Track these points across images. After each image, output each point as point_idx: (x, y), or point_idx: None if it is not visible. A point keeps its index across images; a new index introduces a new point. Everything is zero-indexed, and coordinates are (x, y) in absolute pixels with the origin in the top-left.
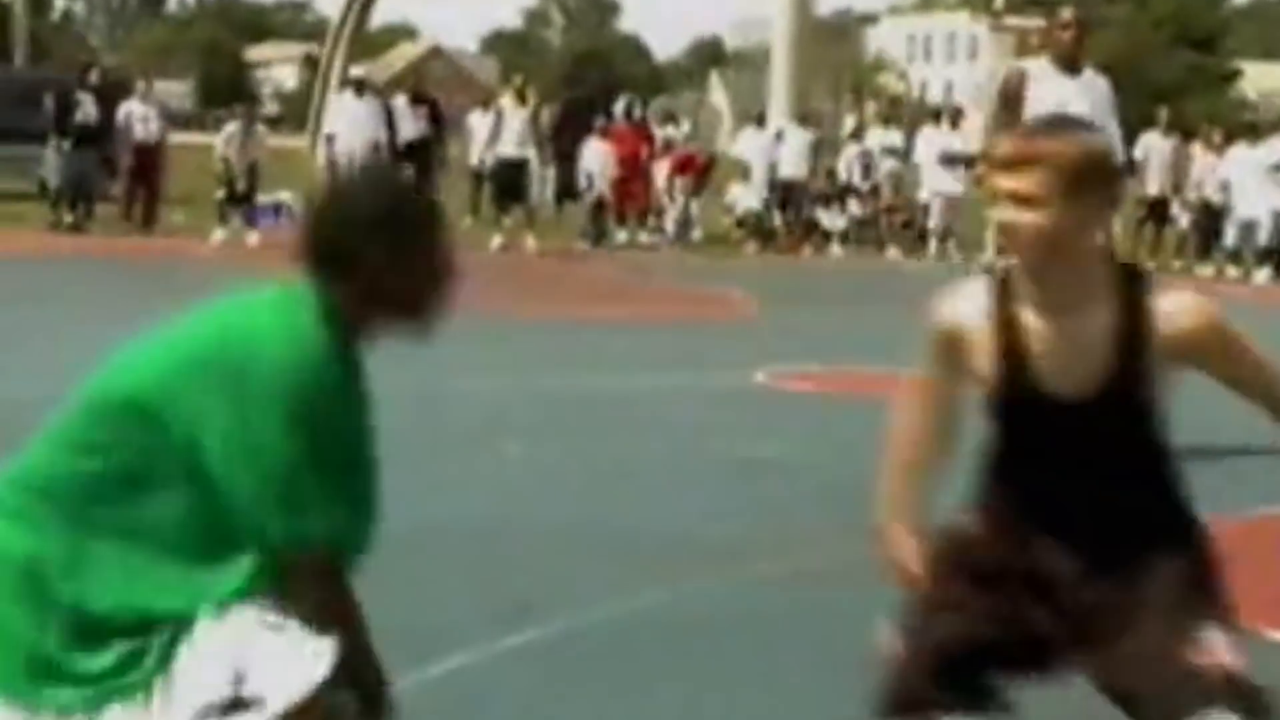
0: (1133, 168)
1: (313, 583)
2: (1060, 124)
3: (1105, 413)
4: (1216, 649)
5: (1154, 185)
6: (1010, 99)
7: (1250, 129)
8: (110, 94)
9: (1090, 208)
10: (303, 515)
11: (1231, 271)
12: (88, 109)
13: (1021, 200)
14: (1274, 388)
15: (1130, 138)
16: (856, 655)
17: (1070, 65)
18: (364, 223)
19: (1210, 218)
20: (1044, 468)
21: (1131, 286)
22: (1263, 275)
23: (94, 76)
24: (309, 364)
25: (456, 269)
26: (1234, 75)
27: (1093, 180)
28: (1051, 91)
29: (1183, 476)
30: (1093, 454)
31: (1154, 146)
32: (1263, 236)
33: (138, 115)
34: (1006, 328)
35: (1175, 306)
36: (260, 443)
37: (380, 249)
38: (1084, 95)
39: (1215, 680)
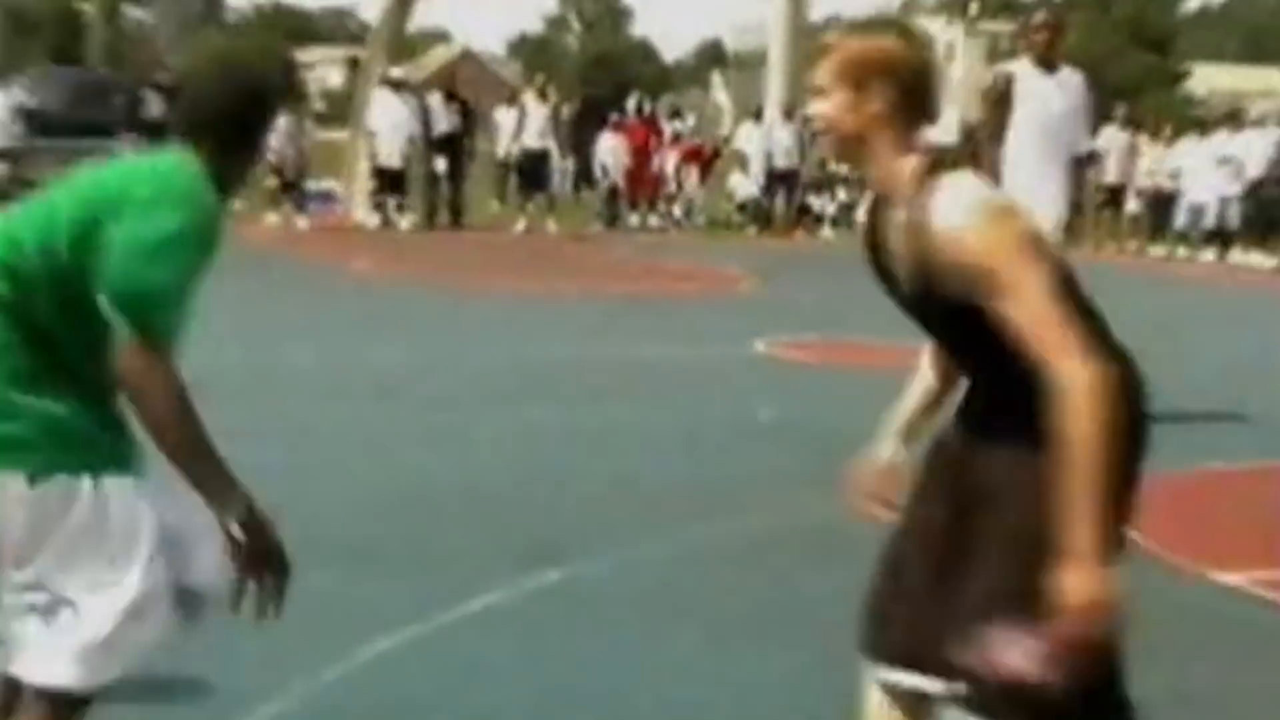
0: (1093, 158)
1: (166, 375)
2: (864, 26)
3: (927, 310)
4: (1004, 652)
5: (1111, 174)
6: (1000, 99)
7: (1198, 124)
8: (176, 93)
9: (875, 101)
10: (169, 311)
11: (1180, 251)
12: (154, 107)
13: (815, 91)
14: (1029, 351)
15: (1093, 131)
16: (839, 592)
17: (1047, 64)
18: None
19: (1161, 203)
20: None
21: (926, 182)
22: (1209, 254)
23: (163, 78)
24: (202, 195)
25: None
26: (1184, 75)
27: (872, 73)
28: (1032, 90)
29: (1040, 396)
30: (950, 350)
31: (1113, 139)
32: (1209, 219)
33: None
34: (871, 222)
35: (950, 203)
36: (160, 246)
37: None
38: (1061, 91)
39: (983, 685)
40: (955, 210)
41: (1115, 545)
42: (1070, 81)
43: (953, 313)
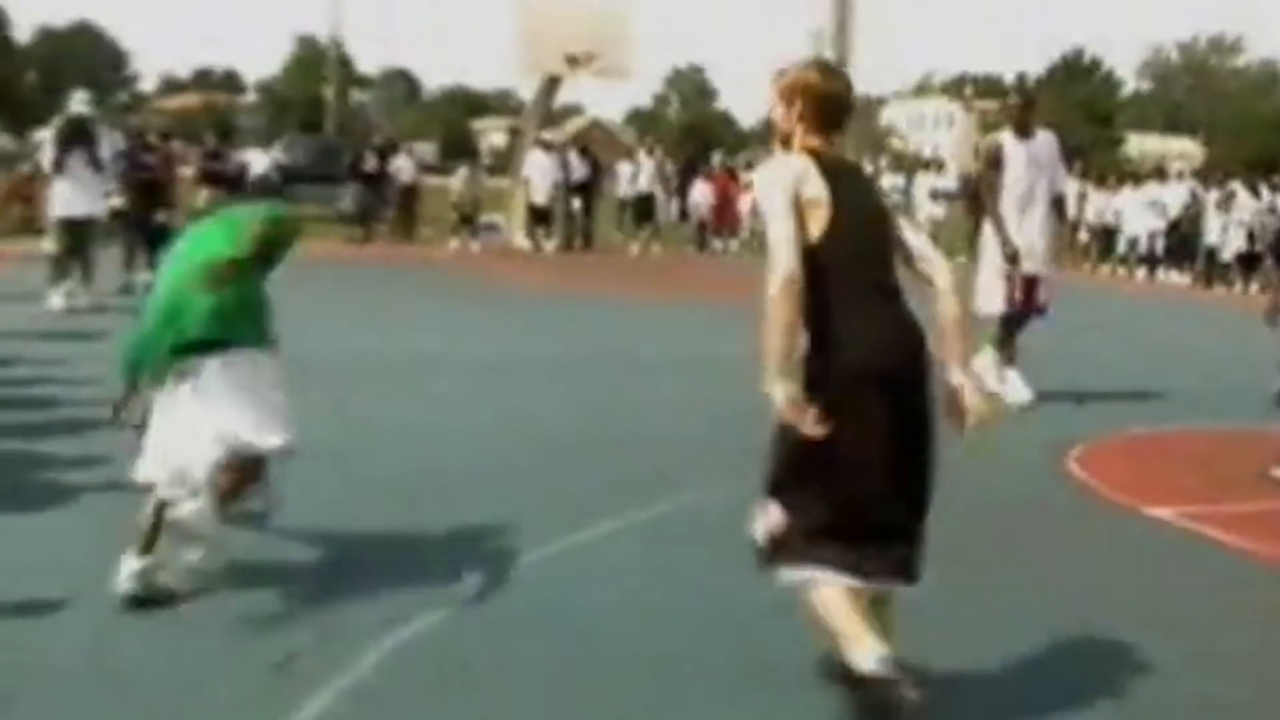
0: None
1: None
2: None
3: None
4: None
5: (1070, 212)
6: (993, 162)
7: (1134, 176)
8: (386, 152)
9: (795, 111)
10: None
11: (1120, 271)
12: (370, 162)
13: (771, 104)
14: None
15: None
16: None
17: (1024, 131)
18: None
19: (1106, 235)
20: None
21: None
22: (1140, 274)
23: (377, 141)
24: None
25: None
26: (1121, 141)
27: (796, 93)
28: (1015, 153)
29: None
30: None
31: (1071, 188)
32: (1142, 248)
33: (403, 166)
34: None
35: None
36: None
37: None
38: (1038, 151)
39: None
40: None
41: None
42: (1044, 142)
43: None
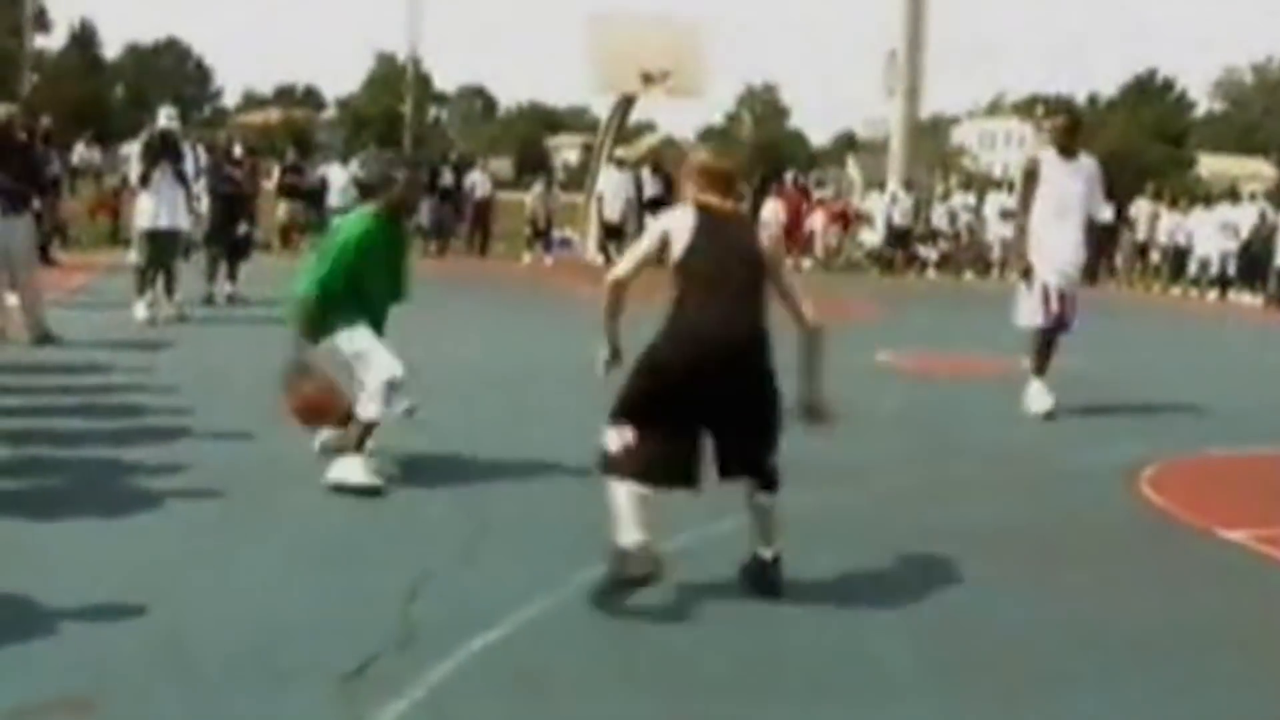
0: (1128, 222)
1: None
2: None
3: None
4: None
5: (1141, 233)
6: (1028, 177)
7: (1206, 198)
8: (461, 168)
9: (690, 182)
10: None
11: (1192, 293)
12: (446, 177)
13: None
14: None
15: (1127, 203)
16: (916, 540)
17: (1067, 151)
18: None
19: (1178, 257)
20: None
21: None
22: (1212, 295)
23: (453, 156)
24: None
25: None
26: (1193, 162)
27: (689, 171)
28: (1054, 172)
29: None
30: None
31: (1142, 209)
32: (1213, 270)
33: (478, 181)
34: None
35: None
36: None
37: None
38: (1078, 173)
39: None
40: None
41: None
42: (1085, 165)
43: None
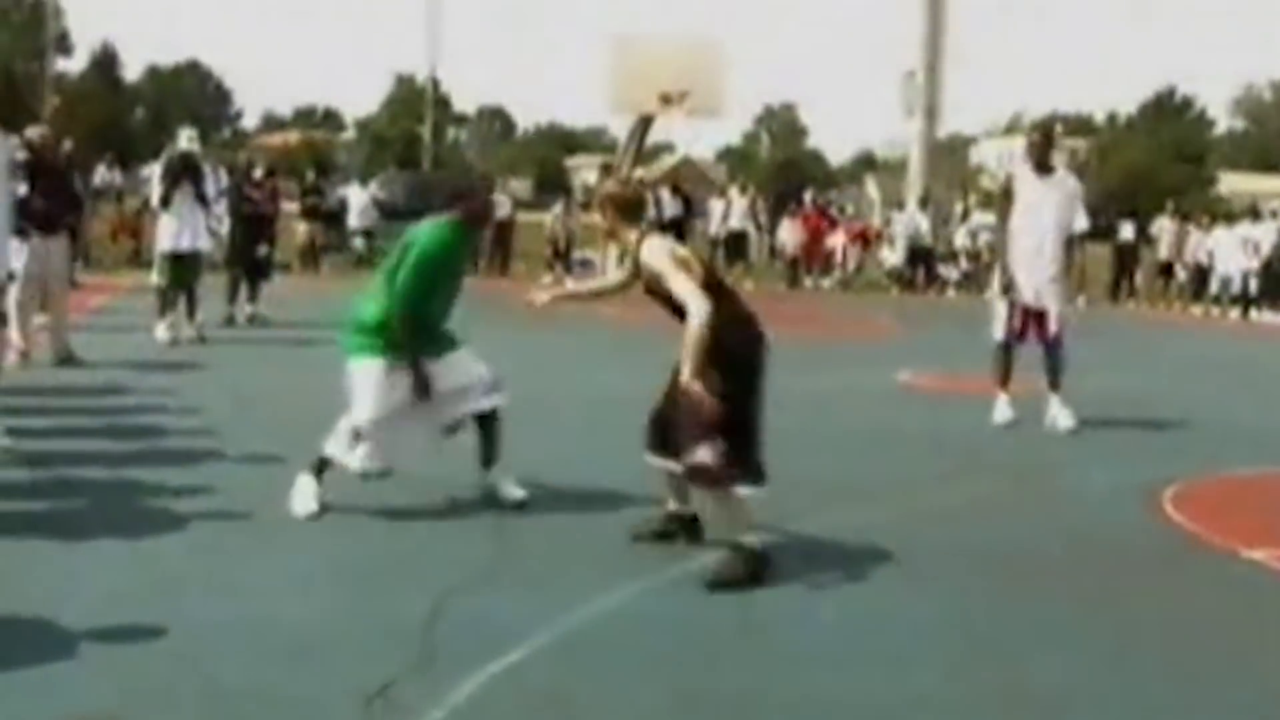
0: (1149, 240)
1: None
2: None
3: (654, 290)
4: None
5: (1164, 252)
6: (1005, 196)
7: (1227, 216)
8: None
9: (609, 213)
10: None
11: (1214, 311)
12: None
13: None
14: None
15: (1148, 222)
16: (943, 559)
17: (1043, 168)
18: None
19: (1200, 275)
20: None
21: (642, 240)
22: (1234, 314)
23: (474, 177)
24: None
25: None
26: (1214, 180)
27: (606, 203)
28: (1030, 188)
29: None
30: (667, 306)
31: (1164, 227)
32: (1235, 288)
33: (498, 202)
34: (635, 261)
35: (646, 249)
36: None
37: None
38: (1053, 189)
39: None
40: (647, 251)
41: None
42: (1064, 181)
43: (660, 292)
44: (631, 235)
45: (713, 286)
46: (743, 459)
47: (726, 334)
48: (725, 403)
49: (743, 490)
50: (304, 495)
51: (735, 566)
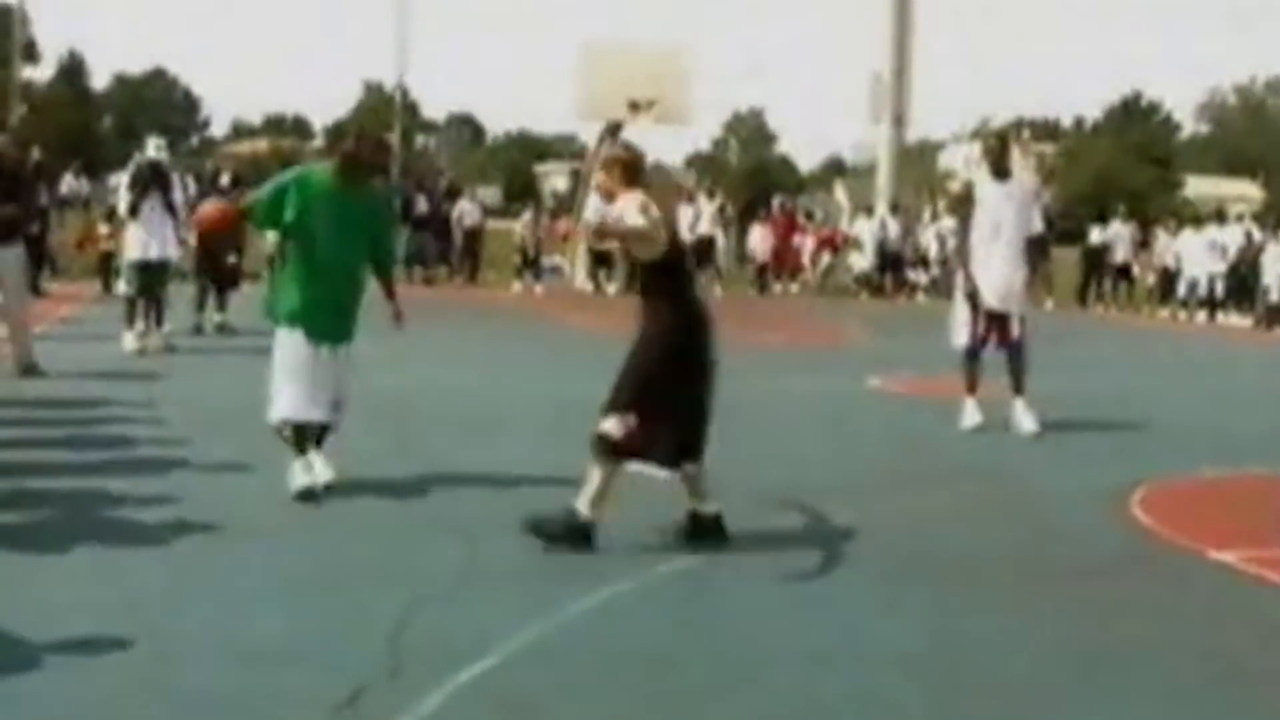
0: (1108, 247)
1: None
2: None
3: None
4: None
5: (1119, 256)
6: (963, 202)
7: (1195, 220)
8: (435, 195)
9: (615, 174)
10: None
11: (1181, 315)
12: (421, 206)
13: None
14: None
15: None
16: (912, 563)
17: (1000, 172)
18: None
19: (1167, 278)
20: None
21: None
22: (1201, 316)
23: (442, 184)
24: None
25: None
26: (1179, 184)
27: (614, 165)
28: (987, 194)
29: None
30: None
31: (1119, 231)
32: (1202, 291)
33: (467, 209)
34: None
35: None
36: None
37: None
38: (1009, 193)
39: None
40: (623, 201)
41: None
42: (1019, 185)
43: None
44: (626, 195)
45: (673, 261)
46: (654, 440)
47: (672, 311)
48: (656, 384)
49: (617, 468)
50: (295, 474)
51: (555, 525)
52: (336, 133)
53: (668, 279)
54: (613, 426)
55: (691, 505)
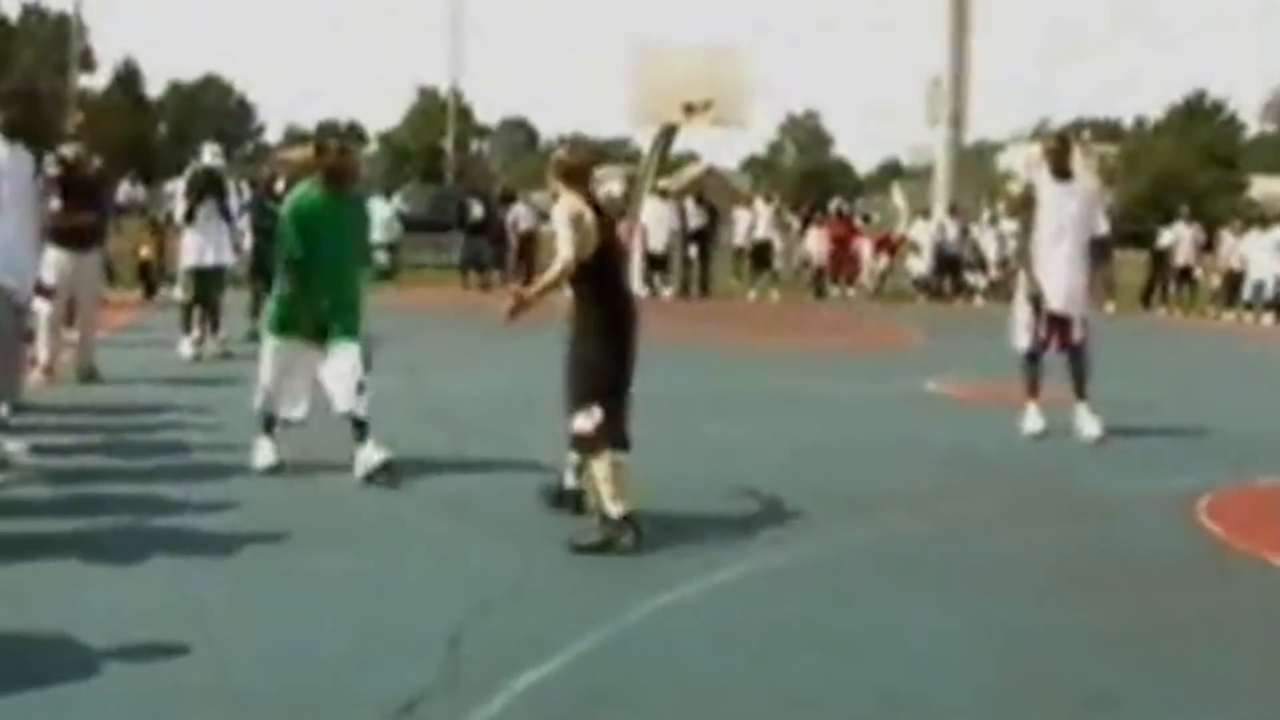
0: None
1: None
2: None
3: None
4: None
5: (1181, 259)
6: (1026, 204)
7: (1260, 220)
8: (489, 201)
9: (557, 177)
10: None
11: (1247, 317)
12: (476, 211)
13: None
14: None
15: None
16: (975, 569)
17: (1061, 173)
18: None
19: (1233, 280)
20: None
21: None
22: (1268, 319)
23: (496, 190)
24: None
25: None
26: (1245, 184)
27: (555, 169)
28: (1049, 193)
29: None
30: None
31: (1180, 233)
32: (1268, 293)
33: (522, 214)
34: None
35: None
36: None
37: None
38: (1071, 195)
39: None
40: (556, 209)
41: None
42: (1081, 186)
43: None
44: (570, 197)
45: (605, 257)
46: (611, 425)
47: (607, 303)
48: (600, 371)
49: (615, 456)
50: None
51: (592, 535)
52: (318, 149)
53: (599, 276)
54: (583, 423)
55: (570, 480)
